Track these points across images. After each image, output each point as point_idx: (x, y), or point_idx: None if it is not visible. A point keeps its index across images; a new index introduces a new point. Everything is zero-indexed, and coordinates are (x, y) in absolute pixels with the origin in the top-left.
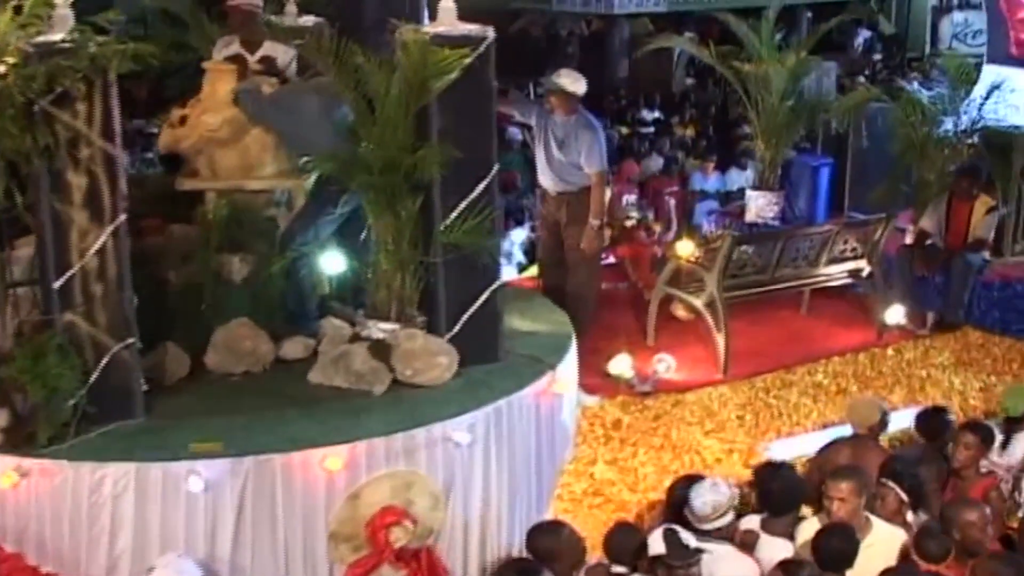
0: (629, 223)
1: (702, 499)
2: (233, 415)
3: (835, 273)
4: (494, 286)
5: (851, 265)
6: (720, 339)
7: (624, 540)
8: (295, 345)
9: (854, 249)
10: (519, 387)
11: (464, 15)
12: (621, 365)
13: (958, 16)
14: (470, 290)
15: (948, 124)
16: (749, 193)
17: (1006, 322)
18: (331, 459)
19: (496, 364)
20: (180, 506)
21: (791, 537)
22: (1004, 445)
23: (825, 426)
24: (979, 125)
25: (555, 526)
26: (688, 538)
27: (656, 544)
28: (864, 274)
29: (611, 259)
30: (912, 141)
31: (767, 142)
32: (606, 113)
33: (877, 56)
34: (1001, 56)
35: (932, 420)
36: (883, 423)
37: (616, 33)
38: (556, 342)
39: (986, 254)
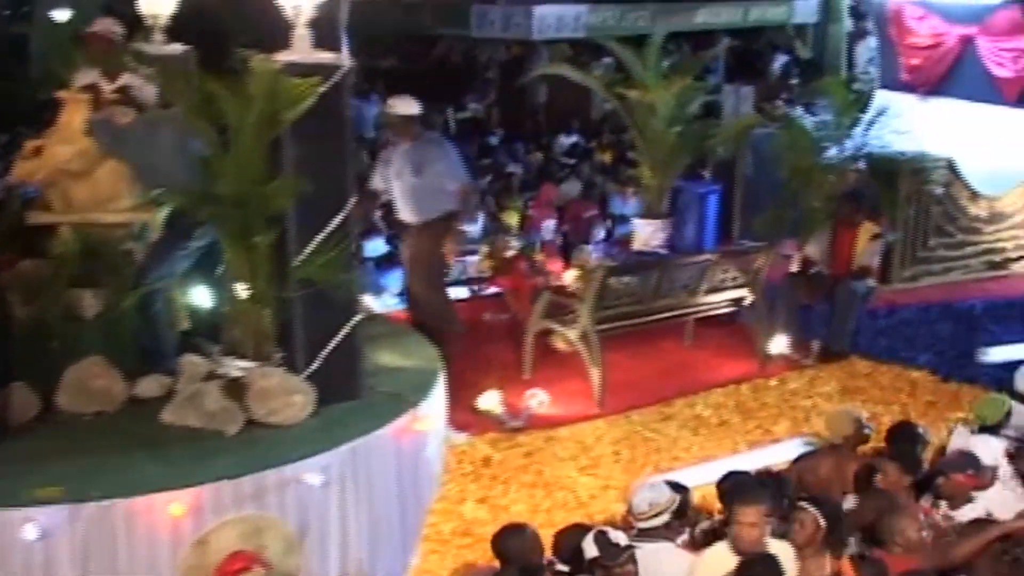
0: (510, 254)
1: (640, 496)
2: (80, 458)
3: (716, 303)
4: (353, 321)
5: (733, 294)
6: (595, 372)
7: (571, 540)
8: (151, 383)
9: (735, 278)
10: (377, 426)
11: (383, 41)
12: (490, 401)
13: (873, 41)
14: (328, 326)
15: (834, 151)
16: (635, 221)
17: (894, 350)
18: (175, 504)
19: (356, 402)
20: (15, 556)
21: None
22: None
23: (707, 459)
24: (864, 151)
25: (519, 527)
26: (619, 537)
27: (590, 548)
28: (747, 303)
29: (493, 290)
30: (797, 168)
31: (653, 169)
32: (525, 138)
33: (795, 80)
34: (893, 82)
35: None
36: (859, 433)
37: (535, 59)
38: (421, 378)
39: (871, 281)
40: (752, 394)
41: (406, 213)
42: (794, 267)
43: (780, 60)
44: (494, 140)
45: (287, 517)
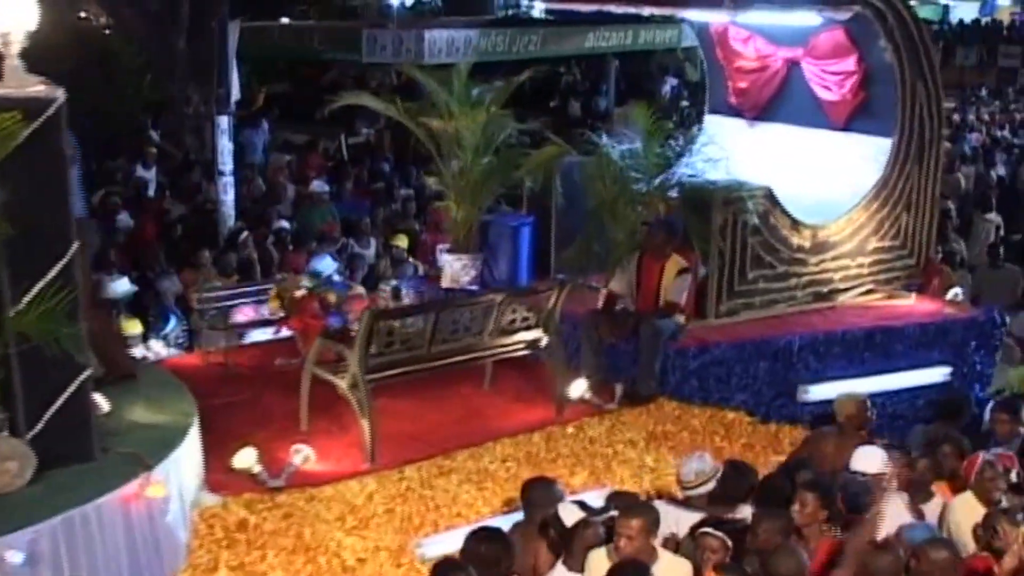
0: (299, 293)
1: (688, 467)
2: None
3: (507, 345)
4: (81, 378)
5: (527, 335)
6: (365, 424)
7: None
8: None
9: (526, 319)
10: (101, 492)
11: (275, 67)
12: (247, 458)
13: None
14: (54, 383)
15: (643, 179)
16: (444, 257)
17: (706, 391)
18: None
19: (88, 465)
20: None
21: None
22: None
23: (493, 514)
24: (675, 180)
25: (497, 532)
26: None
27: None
28: (543, 345)
29: (284, 332)
30: (603, 198)
31: (460, 202)
32: (416, 162)
33: (685, 103)
34: (720, 106)
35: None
36: (862, 414)
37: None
38: (168, 436)
39: (680, 318)
40: (545, 443)
41: None
42: (598, 304)
43: (670, 83)
44: (386, 165)
45: None
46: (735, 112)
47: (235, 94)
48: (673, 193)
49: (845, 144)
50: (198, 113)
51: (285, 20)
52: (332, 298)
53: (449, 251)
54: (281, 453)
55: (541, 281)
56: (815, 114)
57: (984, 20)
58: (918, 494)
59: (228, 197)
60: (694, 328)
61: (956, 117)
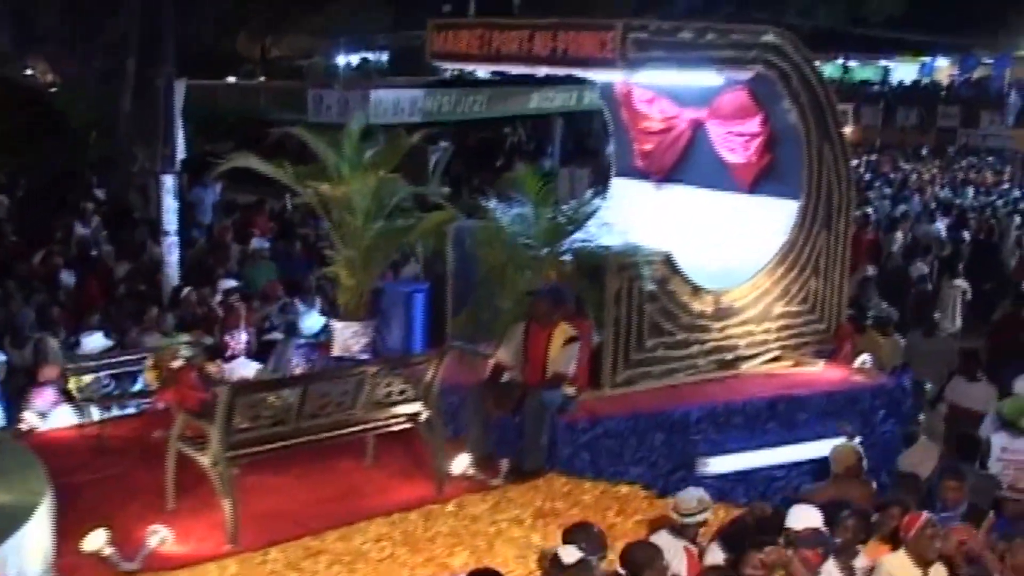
0: (176, 364)
1: (689, 495)
2: None
3: (384, 419)
4: None
5: (406, 408)
6: (227, 503)
7: None
8: None
9: (403, 391)
10: None
11: (220, 126)
12: (97, 541)
13: None
14: None
15: (534, 245)
16: (334, 324)
17: (598, 466)
18: None
19: None
20: None
21: None
22: None
23: None
24: (567, 246)
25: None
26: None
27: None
28: (423, 419)
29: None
30: (492, 264)
31: (350, 268)
32: None
33: None
34: (627, 169)
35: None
36: (859, 464)
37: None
38: (10, 517)
39: (570, 389)
40: (424, 522)
41: None
42: (484, 375)
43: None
44: None
45: None
46: (642, 175)
47: (180, 153)
48: (567, 258)
49: (751, 207)
50: (143, 171)
51: (231, 79)
52: (212, 368)
53: (339, 318)
54: (143, 533)
55: (419, 351)
56: (721, 176)
57: (923, 81)
58: (845, 551)
59: (172, 257)
60: (587, 399)
61: (896, 176)
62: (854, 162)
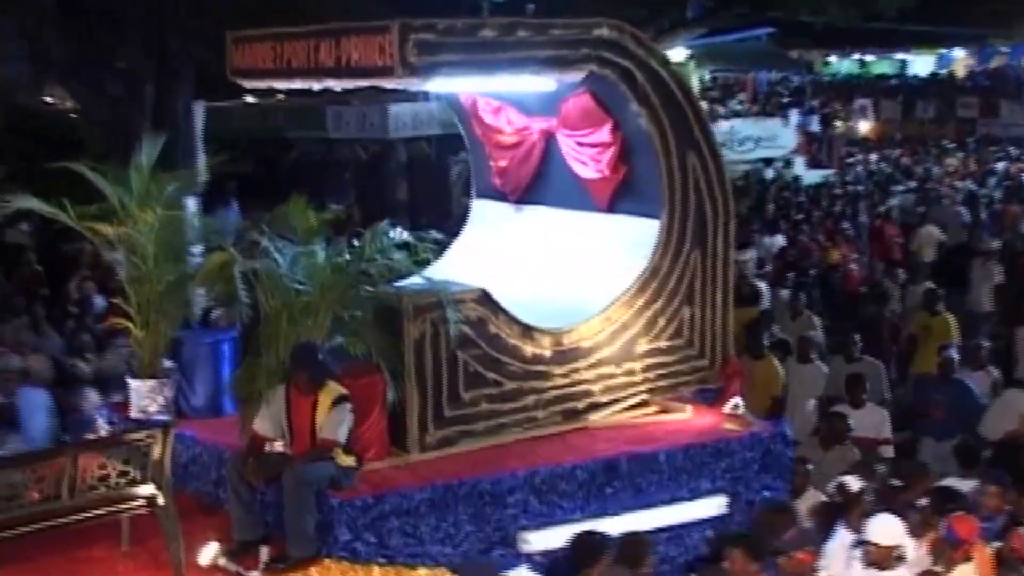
0: None
1: None
2: None
3: (106, 507)
4: None
5: (135, 491)
6: None
7: None
8: None
9: (124, 473)
10: None
11: (239, 146)
12: None
13: (724, 124)
14: None
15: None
16: (130, 383)
17: (388, 548)
18: None
19: None
20: None
21: None
22: None
23: None
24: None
25: None
26: None
27: None
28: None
29: None
30: (272, 310)
31: (143, 319)
32: None
33: None
34: (485, 188)
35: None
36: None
37: (393, 157)
38: None
39: (349, 459)
40: None
41: None
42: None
43: None
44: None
45: None
46: (499, 194)
47: (202, 175)
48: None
49: (608, 229)
50: None
51: (249, 99)
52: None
53: (133, 376)
54: None
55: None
56: (578, 194)
57: (941, 73)
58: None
59: None
60: (383, 469)
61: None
62: (873, 157)
